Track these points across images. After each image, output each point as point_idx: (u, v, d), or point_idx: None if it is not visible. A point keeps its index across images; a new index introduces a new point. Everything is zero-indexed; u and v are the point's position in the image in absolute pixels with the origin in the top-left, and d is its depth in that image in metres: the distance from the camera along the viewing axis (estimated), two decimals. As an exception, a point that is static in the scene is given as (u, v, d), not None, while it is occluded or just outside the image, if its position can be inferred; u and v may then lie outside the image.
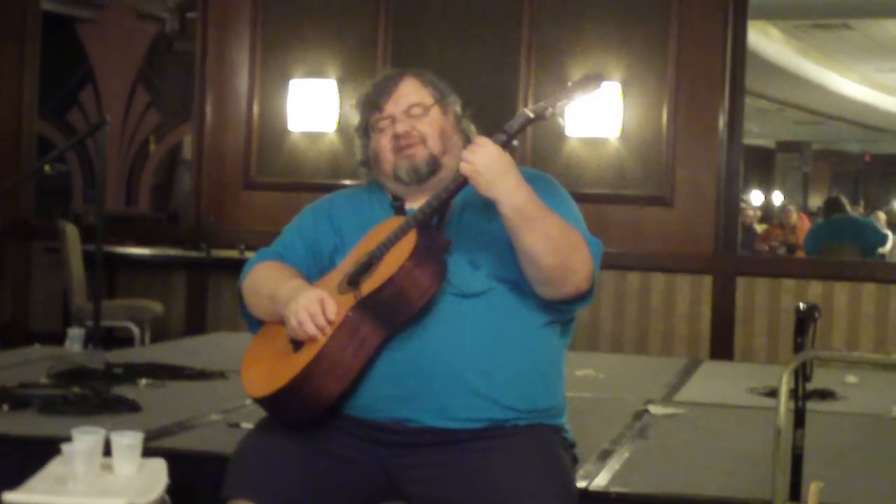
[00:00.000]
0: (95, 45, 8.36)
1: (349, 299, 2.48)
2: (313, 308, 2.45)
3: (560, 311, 2.59)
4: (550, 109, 2.47)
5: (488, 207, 2.47)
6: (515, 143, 2.51)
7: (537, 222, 2.42)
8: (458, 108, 2.74)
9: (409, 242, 2.47)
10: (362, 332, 2.46)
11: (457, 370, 2.48)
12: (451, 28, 7.49)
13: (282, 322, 2.56)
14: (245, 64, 7.88)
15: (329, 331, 2.44)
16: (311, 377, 2.43)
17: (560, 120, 2.54)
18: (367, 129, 2.72)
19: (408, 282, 2.43)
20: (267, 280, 2.67)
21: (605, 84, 2.54)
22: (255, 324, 2.73)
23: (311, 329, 2.45)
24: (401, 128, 2.64)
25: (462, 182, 2.45)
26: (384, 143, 2.66)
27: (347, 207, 2.76)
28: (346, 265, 2.58)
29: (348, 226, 2.70)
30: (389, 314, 2.46)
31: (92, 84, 8.33)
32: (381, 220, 2.63)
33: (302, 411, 2.48)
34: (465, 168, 2.42)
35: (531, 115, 2.47)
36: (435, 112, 2.67)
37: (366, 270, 2.50)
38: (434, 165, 2.63)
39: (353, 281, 2.50)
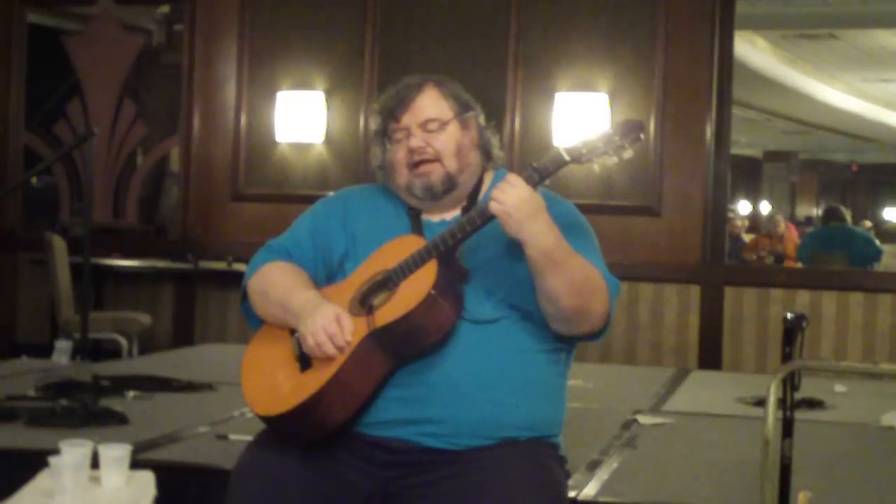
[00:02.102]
0: (82, 58, 8.33)
1: (362, 324, 2.43)
2: (332, 329, 2.40)
3: (569, 342, 2.59)
4: (588, 155, 2.40)
5: (508, 236, 2.41)
6: (548, 182, 2.44)
7: (562, 266, 2.39)
8: (480, 120, 2.68)
9: (428, 276, 2.41)
10: (372, 361, 2.42)
11: (466, 396, 2.45)
12: (438, 40, 7.49)
13: (287, 329, 2.53)
14: (232, 75, 7.87)
15: (343, 356, 2.40)
16: (318, 405, 2.41)
17: (595, 167, 2.46)
18: (384, 137, 2.65)
19: (425, 318, 2.40)
20: (278, 285, 2.59)
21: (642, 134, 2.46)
22: (257, 322, 2.66)
23: (330, 350, 2.40)
24: (414, 142, 2.57)
25: (489, 218, 2.39)
26: (400, 156, 2.59)
27: (363, 211, 2.69)
28: (358, 277, 2.53)
29: (362, 232, 2.64)
30: (402, 347, 2.43)
31: (79, 96, 8.30)
32: (398, 230, 2.59)
33: (305, 434, 2.46)
34: (494, 208, 2.35)
35: (567, 159, 2.40)
36: (453, 127, 2.60)
37: (380, 291, 2.46)
38: (450, 184, 2.58)
39: (366, 301, 2.46)
